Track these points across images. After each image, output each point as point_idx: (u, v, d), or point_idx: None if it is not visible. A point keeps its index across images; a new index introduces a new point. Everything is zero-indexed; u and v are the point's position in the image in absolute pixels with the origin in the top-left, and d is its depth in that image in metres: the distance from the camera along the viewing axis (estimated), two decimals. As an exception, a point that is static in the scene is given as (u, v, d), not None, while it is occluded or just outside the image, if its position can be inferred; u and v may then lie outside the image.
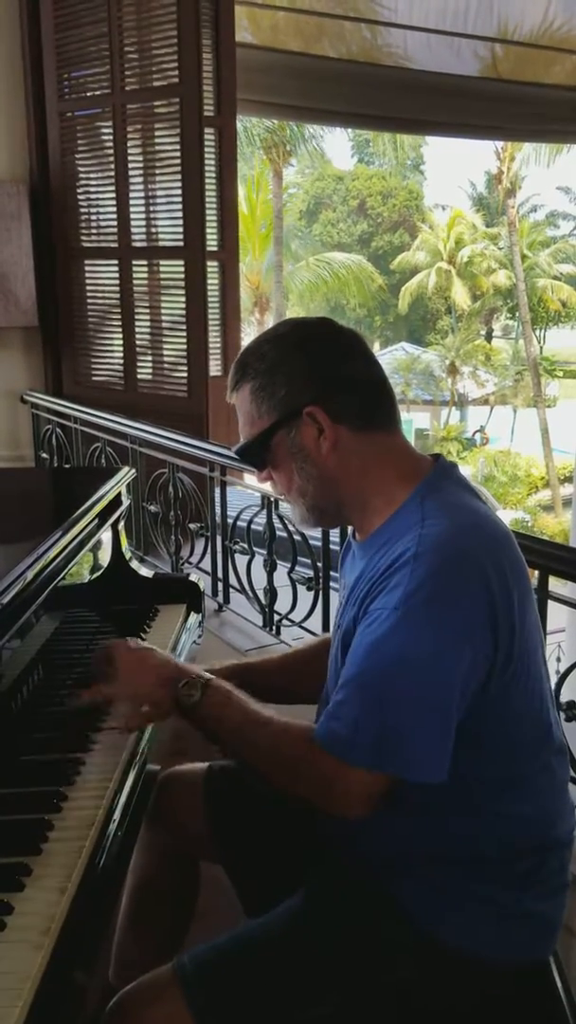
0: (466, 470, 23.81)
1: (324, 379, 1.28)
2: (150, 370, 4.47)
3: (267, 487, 1.80)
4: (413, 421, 25.75)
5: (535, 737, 1.25)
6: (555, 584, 2.04)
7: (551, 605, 2.03)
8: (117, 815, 1.28)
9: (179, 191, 4.10)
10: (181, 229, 4.13)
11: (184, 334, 4.21)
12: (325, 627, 2.69)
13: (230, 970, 1.21)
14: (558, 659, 6.12)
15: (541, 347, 29.52)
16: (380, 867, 1.26)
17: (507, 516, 19.57)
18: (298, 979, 1.21)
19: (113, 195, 4.37)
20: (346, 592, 1.34)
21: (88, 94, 4.43)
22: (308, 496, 1.33)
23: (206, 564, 3.35)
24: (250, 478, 3.04)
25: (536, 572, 2.00)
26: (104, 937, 1.27)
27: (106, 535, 2.02)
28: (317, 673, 1.47)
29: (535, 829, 1.25)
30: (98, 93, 4.36)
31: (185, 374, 4.25)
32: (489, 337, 31.04)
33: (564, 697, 1.94)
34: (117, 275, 4.45)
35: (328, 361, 1.29)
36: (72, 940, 1.03)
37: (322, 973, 1.21)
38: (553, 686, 1.90)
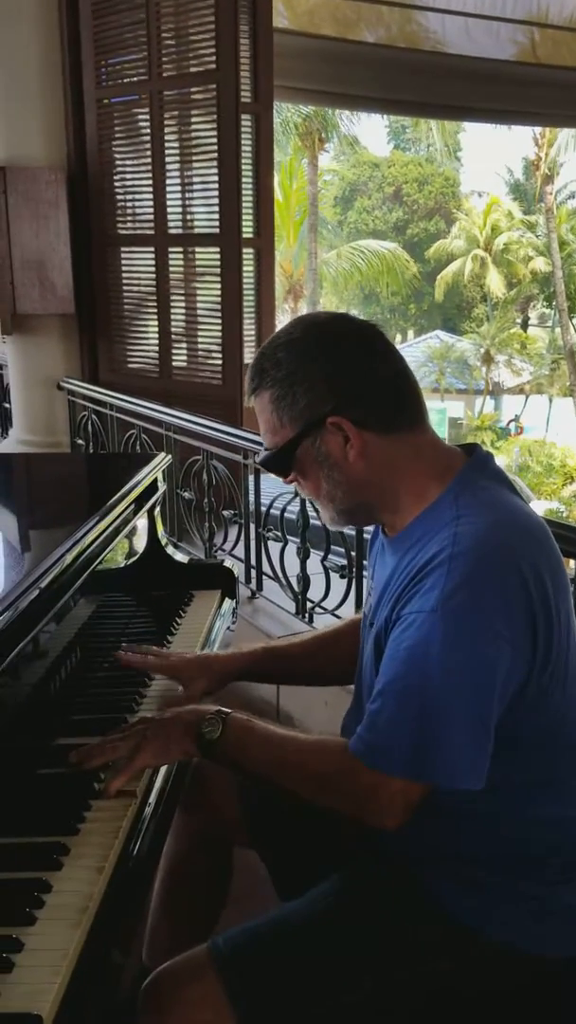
0: (500, 460, 23.43)
1: (344, 386, 1.24)
2: (185, 357, 4.48)
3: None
4: (447, 410, 25.57)
5: (572, 737, 1.24)
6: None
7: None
8: (153, 798, 1.29)
9: (215, 178, 4.10)
10: (217, 216, 4.14)
11: (219, 321, 4.22)
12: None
13: (264, 952, 1.22)
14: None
15: (578, 336, 29.17)
16: (415, 864, 1.26)
17: (542, 506, 19.36)
18: (332, 965, 1.21)
19: (150, 182, 4.38)
20: (378, 590, 1.31)
21: (125, 80, 4.44)
22: (337, 501, 1.30)
23: (239, 551, 3.36)
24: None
25: (572, 562, 1.99)
26: (140, 918, 1.29)
27: (142, 521, 2.04)
28: (343, 656, 1.47)
29: (572, 828, 1.25)
30: (135, 80, 4.37)
31: (220, 362, 4.26)
32: (525, 325, 30.72)
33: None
34: (153, 262, 4.46)
35: (347, 366, 1.25)
36: (109, 919, 1.05)
37: (356, 960, 1.22)
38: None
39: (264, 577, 3.27)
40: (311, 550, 2.93)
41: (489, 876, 1.22)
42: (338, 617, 2.83)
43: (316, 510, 2.77)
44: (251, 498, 3.27)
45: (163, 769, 1.35)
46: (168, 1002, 1.18)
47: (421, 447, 1.27)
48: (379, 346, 1.28)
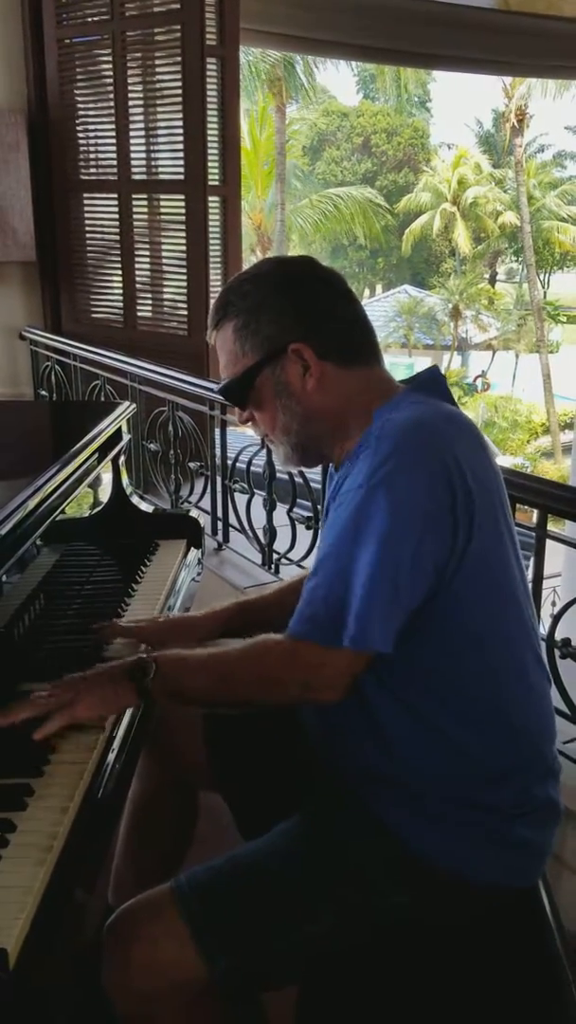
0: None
1: (309, 316, 1.30)
2: (150, 307, 4.43)
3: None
4: (415, 365, 25.54)
5: (519, 660, 1.27)
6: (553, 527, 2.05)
7: (548, 551, 2.04)
8: (117, 743, 1.30)
9: (180, 123, 4.02)
10: (182, 162, 4.06)
11: (184, 271, 4.16)
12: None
13: (225, 888, 1.24)
14: (553, 603, 6.16)
15: (545, 292, 29.21)
16: (373, 795, 1.28)
17: (507, 462, 19.50)
18: (291, 897, 1.24)
19: (112, 126, 4.28)
20: (326, 507, 1.37)
21: (87, 20, 4.31)
22: (292, 434, 1.34)
23: (206, 503, 3.36)
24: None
25: (535, 511, 2.02)
26: (104, 857, 1.31)
27: (107, 471, 2.03)
28: None
29: (523, 757, 1.28)
30: (97, 19, 4.24)
31: (185, 312, 4.22)
32: (493, 280, 30.66)
33: (559, 635, 1.96)
34: (117, 209, 4.38)
35: (312, 299, 1.31)
36: (74, 857, 1.06)
37: (315, 893, 1.24)
38: (547, 626, 1.94)
39: (231, 529, 3.28)
40: (277, 502, 2.93)
41: (442, 808, 1.25)
42: (304, 568, 2.85)
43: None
44: (217, 450, 3.25)
45: (128, 713, 1.36)
46: (131, 939, 1.20)
47: (374, 381, 1.33)
48: (342, 288, 1.35)
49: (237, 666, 1.27)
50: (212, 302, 1.37)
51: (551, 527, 2.04)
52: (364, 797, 1.29)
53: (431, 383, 1.33)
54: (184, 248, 4.15)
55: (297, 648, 1.21)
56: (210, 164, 4.01)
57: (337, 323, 1.31)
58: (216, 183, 4.07)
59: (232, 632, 1.65)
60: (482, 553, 1.20)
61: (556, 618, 1.99)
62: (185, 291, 4.19)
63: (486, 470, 1.24)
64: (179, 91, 3.98)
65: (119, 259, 4.44)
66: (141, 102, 4.19)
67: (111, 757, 1.27)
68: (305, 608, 1.21)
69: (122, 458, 2.14)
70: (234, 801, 1.57)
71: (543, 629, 1.95)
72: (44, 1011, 0.96)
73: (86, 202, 4.57)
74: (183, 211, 4.11)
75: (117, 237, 4.42)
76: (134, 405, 2.28)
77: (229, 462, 3.19)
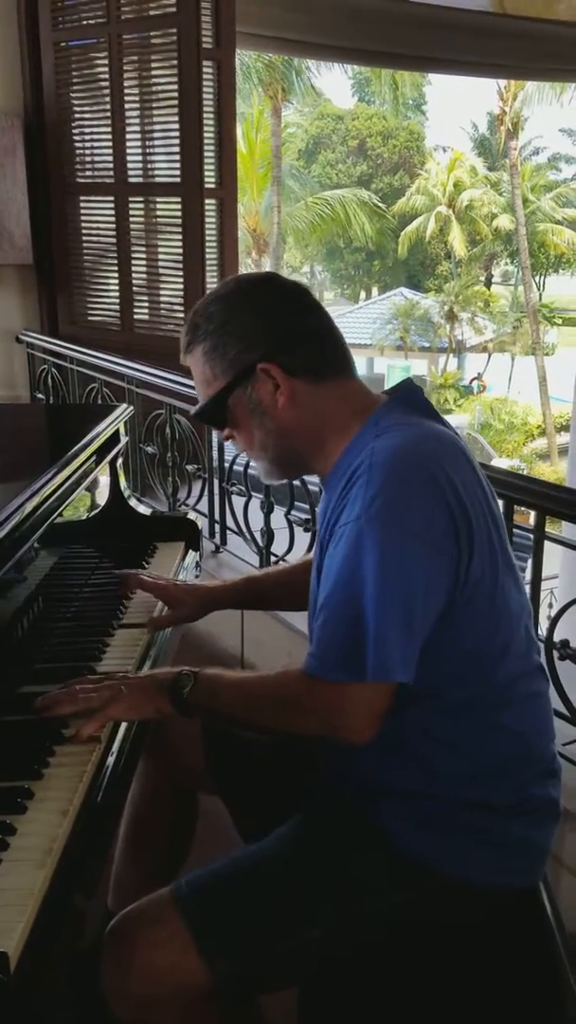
0: (463, 418, 23.73)
1: (275, 334, 1.29)
2: (146, 310, 4.42)
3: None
4: (411, 368, 25.56)
5: (517, 667, 1.27)
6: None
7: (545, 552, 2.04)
8: (116, 745, 1.30)
9: (176, 125, 4.02)
10: (178, 165, 4.06)
11: (181, 273, 4.16)
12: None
13: (226, 891, 1.24)
14: (550, 605, 6.16)
15: (540, 294, 29.29)
16: (370, 798, 1.28)
17: (503, 464, 19.55)
18: (292, 900, 1.24)
19: (109, 129, 4.28)
20: (319, 526, 1.36)
21: (83, 23, 4.31)
22: (269, 451, 1.35)
23: (203, 506, 3.36)
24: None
25: (533, 513, 2.02)
26: (104, 860, 1.30)
27: (104, 473, 2.02)
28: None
29: (519, 757, 1.28)
30: (93, 22, 4.24)
31: (182, 314, 4.21)
32: (488, 283, 30.72)
33: (558, 636, 1.96)
34: (113, 212, 4.38)
35: (277, 315, 1.31)
36: (74, 860, 1.06)
37: (315, 896, 1.24)
38: (545, 628, 1.94)
39: (228, 532, 3.28)
40: (275, 504, 2.93)
41: (439, 810, 1.25)
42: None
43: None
44: (215, 453, 3.26)
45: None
46: (132, 944, 1.20)
47: (347, 394, 1.32)
48: (307, 300, 1.34)
49: (264, 691, 1.28)
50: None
51: (547, 528, 2.04)
52: (363, 801, 1.28)
53: (412, 398, 1.32)
54: (180, 251, 4.15)
55: (313, 685, 1.19)
56: (206, 167, 4.01)
57: (304, 338, 1.30)
58: (212, 186, 4.07)
59: (244, 604, 1.76)
60: (480, 569, 1.20)
61: (554, 620, 1.99)
62: (182, 294, 4.19)
63: (474, 486, 1.24)
64: (175, 94, 3.98)
65: (115, 262, 4.44)
66: (137, 105, 4.19)
67: (111, 760, 1.27)
68: (316, 647, 1.19)
69: (120, 461, 2.14)
70: (233, 803, 1.57)
71: (541, 631, 1.95)
72: (43, 1016, 0.95)
73: (82, 205, 4.56)
74: (179, 214, 4.12)
75: (113, 240, 4.42)
76: (131, 408, 2.28)
77: (226, 465, 3.19)
